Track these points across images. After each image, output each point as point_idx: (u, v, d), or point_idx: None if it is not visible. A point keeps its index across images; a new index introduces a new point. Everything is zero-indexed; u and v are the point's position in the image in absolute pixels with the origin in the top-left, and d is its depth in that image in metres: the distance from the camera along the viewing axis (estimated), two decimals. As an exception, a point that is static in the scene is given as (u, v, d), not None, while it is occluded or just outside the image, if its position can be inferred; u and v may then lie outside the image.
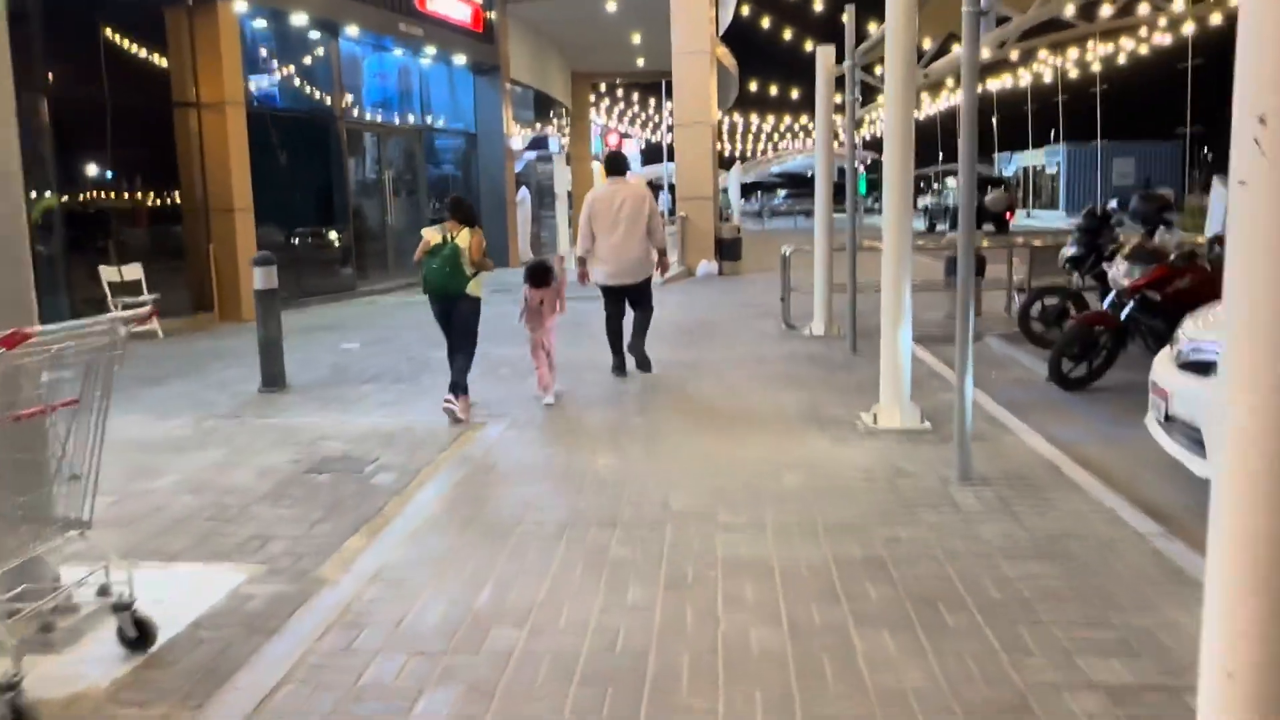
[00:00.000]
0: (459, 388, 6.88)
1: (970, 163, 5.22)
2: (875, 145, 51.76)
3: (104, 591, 3.38)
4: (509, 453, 5.96)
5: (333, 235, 15.72)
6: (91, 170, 12.19)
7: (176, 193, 12.99)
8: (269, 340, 7.99)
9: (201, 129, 12.82)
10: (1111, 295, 7.83)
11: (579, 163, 30.89)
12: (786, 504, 4.79)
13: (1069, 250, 9.99)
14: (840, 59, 9.94)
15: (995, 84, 36.80)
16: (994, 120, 61.87)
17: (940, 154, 70.46)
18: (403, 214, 17.54)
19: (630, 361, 8.36)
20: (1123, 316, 7.57)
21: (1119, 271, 7.67)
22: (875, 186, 72.70)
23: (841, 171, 11.65)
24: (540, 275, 7.47)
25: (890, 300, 6.21)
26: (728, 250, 18.55)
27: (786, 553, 4.14)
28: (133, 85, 12.39)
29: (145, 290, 11.69)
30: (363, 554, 4.29)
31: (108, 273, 11.50)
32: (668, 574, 3.95)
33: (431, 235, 6.93)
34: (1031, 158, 50.75)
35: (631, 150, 45.29)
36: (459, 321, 6.99)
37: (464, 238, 6.84)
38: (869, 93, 9.66)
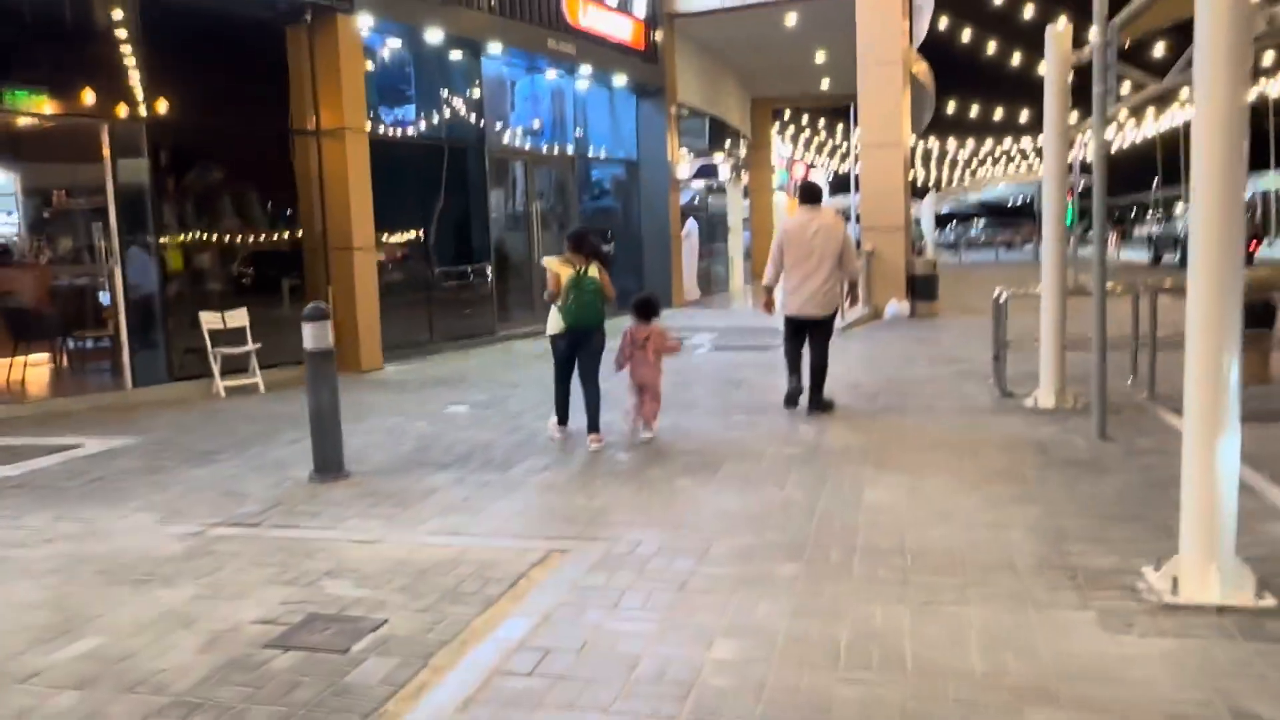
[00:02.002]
0: (596, 424, 7.00)
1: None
2: (1087, 168, 47.23)
3: None
4: (580, 624, 3.90)
5: (472, 274, 14.22)
6: (199, 207, 11.06)
7: (295, 231, 11.74)
8: (321, 415, 6.28)
9: (321, 159, 11.54)
10: None
11: (758, 194, 28.79)
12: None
13: None
14: (1079, 42, 7.49)
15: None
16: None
17: (1158, 177, 64.52)
18: (551, 249, 15.85)
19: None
20: None
21: None
22: (1085, 214, 67.28)
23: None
24: (647, 309, 7.32)
25: (1202, 378, 3.77)
26: (921, 288, 15.98)
27: None
28: (248, 111, 11.23)
29: (249, 339, 10.40)
30: None
31: (208, 319, 10.26)
32: None
33: (563, 269, 6.93)
34: (1275, 180, 44.79)
35: (819, 180, 42.99)
36: (594, 354, 7.06)
37: (595, 270, 6.97)
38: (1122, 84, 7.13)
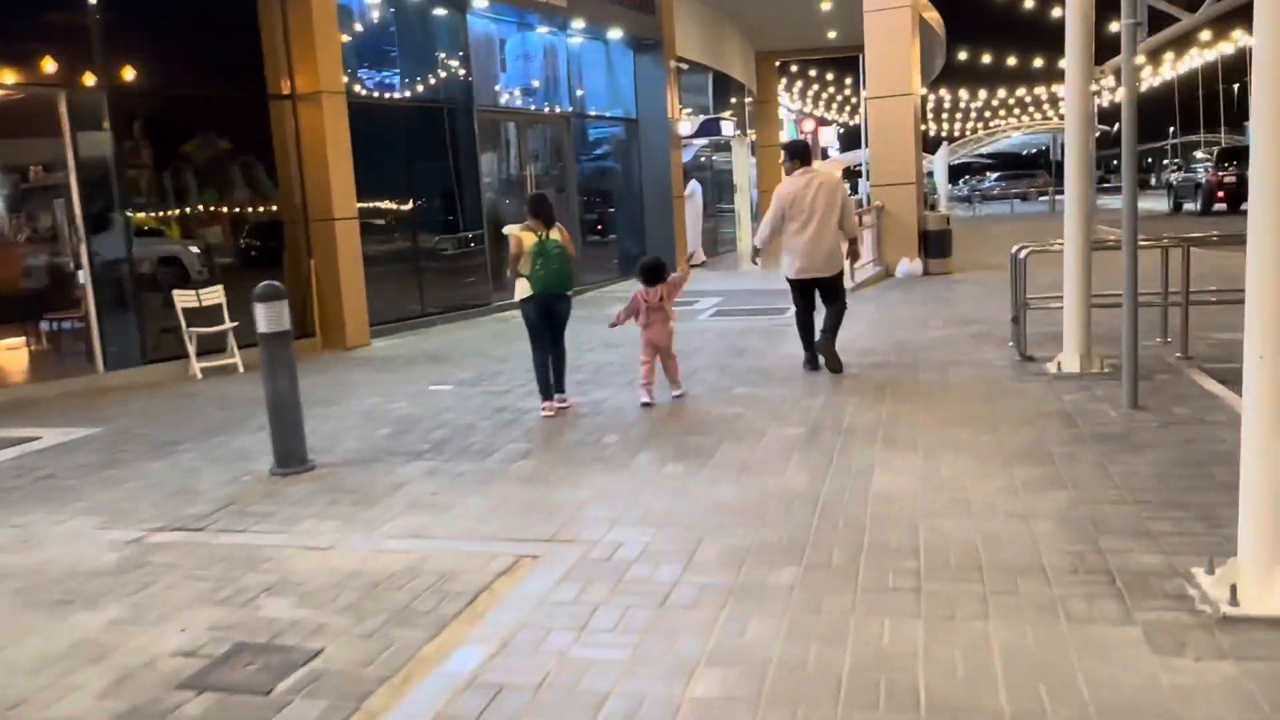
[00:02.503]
0: (562, 384, 7.13)
1: None
2: (1105, 117, 46.04)
3: None
4: (542, 652, 3.39)
5: (464, 243, 13.65)
6: (169, 179, 10.50)
7: (274, 202, 11.19)
8: (280, 404, 5.77)
9: (298, 125, 10.96)
10: None
11: (766, 151, 28.04)
12: None
13: None
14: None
15: (1244, 38, 31.22)
16: (1238, 86, 54.19)
17: (1176, 126, 63.10)
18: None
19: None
20: None
21: None
22: (1099, 164, 65.90)
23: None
24: (655, 273, 7.16)
25: (1270, 351, 3.20)
26: (934, 245, 15.32)
27: None
28: (219, 76, 10.63)
29: (227, 317, 9.89)
30: None
31: (183, 298, 9.75)
32: None
33: (526, 236, 6.83)
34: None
35: (829, 136, 41.93)
36: (562, 319, 7.09)
37: (560, 234, 6.91)
38: (1155, 20, 6.48)
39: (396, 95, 12.62)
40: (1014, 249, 8.38)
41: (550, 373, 7.02)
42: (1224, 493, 4.12)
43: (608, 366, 8.63)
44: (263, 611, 3.79)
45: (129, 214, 9.71)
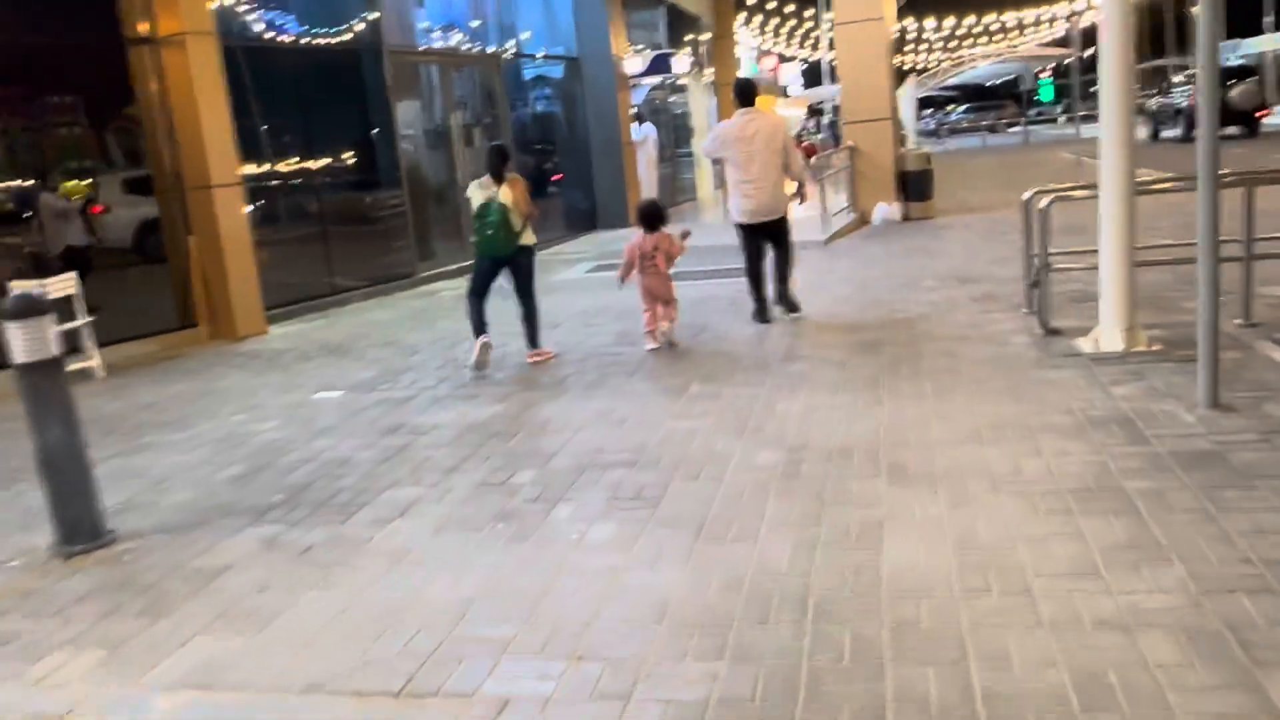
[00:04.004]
0: (535, 339, 7.04)
1: None
2: (1064, 44, 44.37)
3: None
4: None
5: (379, 206, 11.90)
6: (3, 144, 8.69)
7: (143, 168, 9.41)
8: (53, 460, 4.14)
9: (162, 75, 9.16)
10: None
11: (725, 90, 26.15)
12: None
13: None
14: None
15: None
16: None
17: (1152, 48, 61.81)
18: (481, 169, 13.54)
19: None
20: None
21: None
22: (1063, 94, 64.31)
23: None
24: (652, 219, 7.07)
25: None
26: (914, 187, 13.74)
27: None
28: (63, 17, 8.77)
29: (83, 310, 8.16)
30: None
31: (22, 289, 7.99)
32: None
33: (476, 196, 6.81)
34: (1271, 43, 42.05)
35: (793, 73, 40.00)
36: (521, 277, 6.99)
37: (507, 193, 6.70)
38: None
39: (288, 37, 10.79)
40: (1026, 195, 6.85)
41: (482, 313, 6.94)
42: None
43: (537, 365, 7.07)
44: None
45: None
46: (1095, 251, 5.81)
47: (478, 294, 6.97)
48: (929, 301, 7.82)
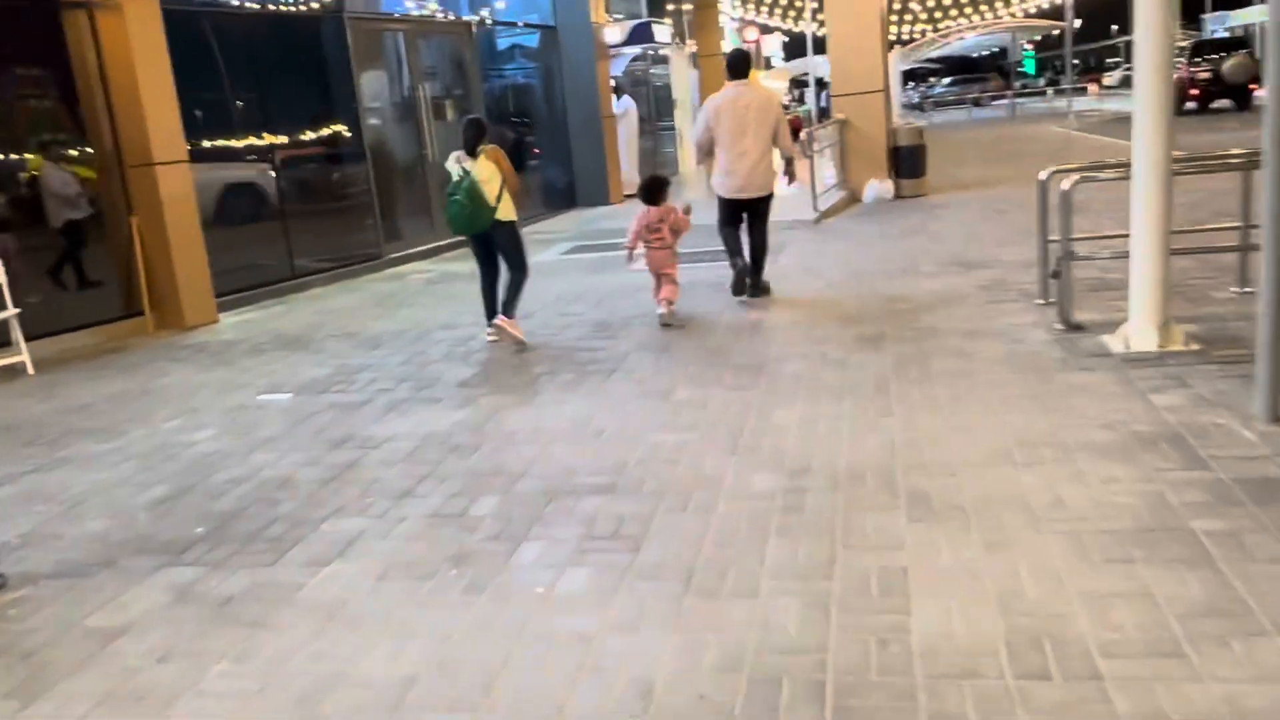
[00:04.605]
0: (510, 308, 6.61)
1: None
2: (1051, 16, 43.62)
3: None
4: None
5: (342, 183, 11.18)
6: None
7: (78, 146, 8.67)
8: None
9: (98, 41, 8.41)
10: None
11: (708, 61, 25.42)
12: None
13: None
14: None
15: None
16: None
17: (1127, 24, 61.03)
18: (451, 144, 12.81)
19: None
20: None
21: None
22: (1045, 67, 63.59)
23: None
24: (655, 191, 7.04)
25: None
26: (907, 163, 13.11)
27: None
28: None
29: (6, 301, 7.48)
30: None
31: (-62, 279, 7.31)
32: None
33: (452, 169, 6.59)
34: (1260, 14, 41.50)
35: (774, 46, 39.14)
36: (503, 252, 6.73)
37: (480, 167, 6.45)
38: None
39: (239, 0, 10.01)
40: (1043, 174, 6.25)
41: (494, 298, 6.80)
42: None
43: (506, 366, 6.43)
44: None
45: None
46: (1116, 236, 5.23)
47: (484, 275, 6.92)
48: (931, 290, 7.22)
